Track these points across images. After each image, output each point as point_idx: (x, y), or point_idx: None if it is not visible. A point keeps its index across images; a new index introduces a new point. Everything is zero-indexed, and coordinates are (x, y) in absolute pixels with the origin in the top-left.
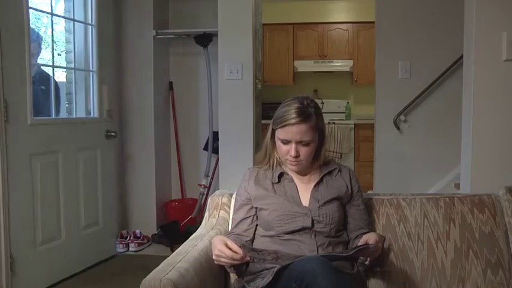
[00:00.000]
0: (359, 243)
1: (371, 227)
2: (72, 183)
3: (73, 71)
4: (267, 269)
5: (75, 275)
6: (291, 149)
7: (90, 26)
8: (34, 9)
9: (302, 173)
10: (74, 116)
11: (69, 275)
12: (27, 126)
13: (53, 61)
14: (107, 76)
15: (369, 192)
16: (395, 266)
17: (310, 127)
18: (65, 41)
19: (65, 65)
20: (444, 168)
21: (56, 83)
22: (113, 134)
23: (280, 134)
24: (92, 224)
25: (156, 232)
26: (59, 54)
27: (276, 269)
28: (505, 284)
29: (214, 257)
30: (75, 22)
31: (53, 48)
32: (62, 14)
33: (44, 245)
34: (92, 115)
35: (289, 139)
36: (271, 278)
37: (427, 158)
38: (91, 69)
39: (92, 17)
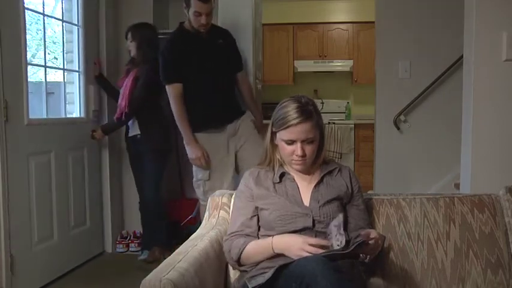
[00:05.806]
0: (361, 233)
1: (371, 227)
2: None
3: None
4: (269, 268)
5: (66, 273)
6: (297, 148)
7: (76, 27)
8: (29, 9)
9: (305, 172)
10: (64, 116)
11: (62, 274)
12: (24, 126)
13: (45, 61)
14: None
15: (369, 192)
16: (395, 266)
17: (312, 125)
18: (65, 41)
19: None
20: (444, 168)
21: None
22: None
23: (284, 135)
24: (79, 224)
25: None
26: (55, 58)
27: (275, 267)
28: (505, 284)
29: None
30: (64, 23)
31: (45, 49)
32: (59, 16)
33: (39, 245)
34: (79, 115)
35: (294, 139)
36: (270, 275)
37: (427, 158)
38: (77, 69)
39: (78, 18)
